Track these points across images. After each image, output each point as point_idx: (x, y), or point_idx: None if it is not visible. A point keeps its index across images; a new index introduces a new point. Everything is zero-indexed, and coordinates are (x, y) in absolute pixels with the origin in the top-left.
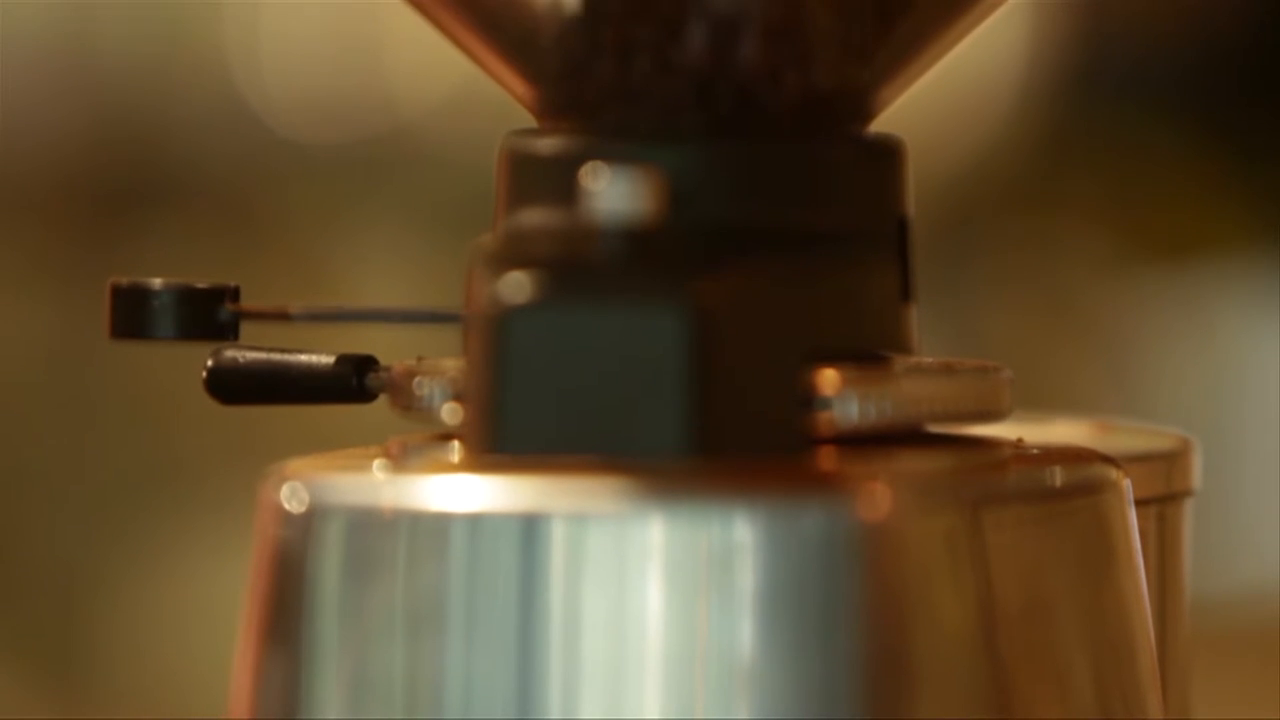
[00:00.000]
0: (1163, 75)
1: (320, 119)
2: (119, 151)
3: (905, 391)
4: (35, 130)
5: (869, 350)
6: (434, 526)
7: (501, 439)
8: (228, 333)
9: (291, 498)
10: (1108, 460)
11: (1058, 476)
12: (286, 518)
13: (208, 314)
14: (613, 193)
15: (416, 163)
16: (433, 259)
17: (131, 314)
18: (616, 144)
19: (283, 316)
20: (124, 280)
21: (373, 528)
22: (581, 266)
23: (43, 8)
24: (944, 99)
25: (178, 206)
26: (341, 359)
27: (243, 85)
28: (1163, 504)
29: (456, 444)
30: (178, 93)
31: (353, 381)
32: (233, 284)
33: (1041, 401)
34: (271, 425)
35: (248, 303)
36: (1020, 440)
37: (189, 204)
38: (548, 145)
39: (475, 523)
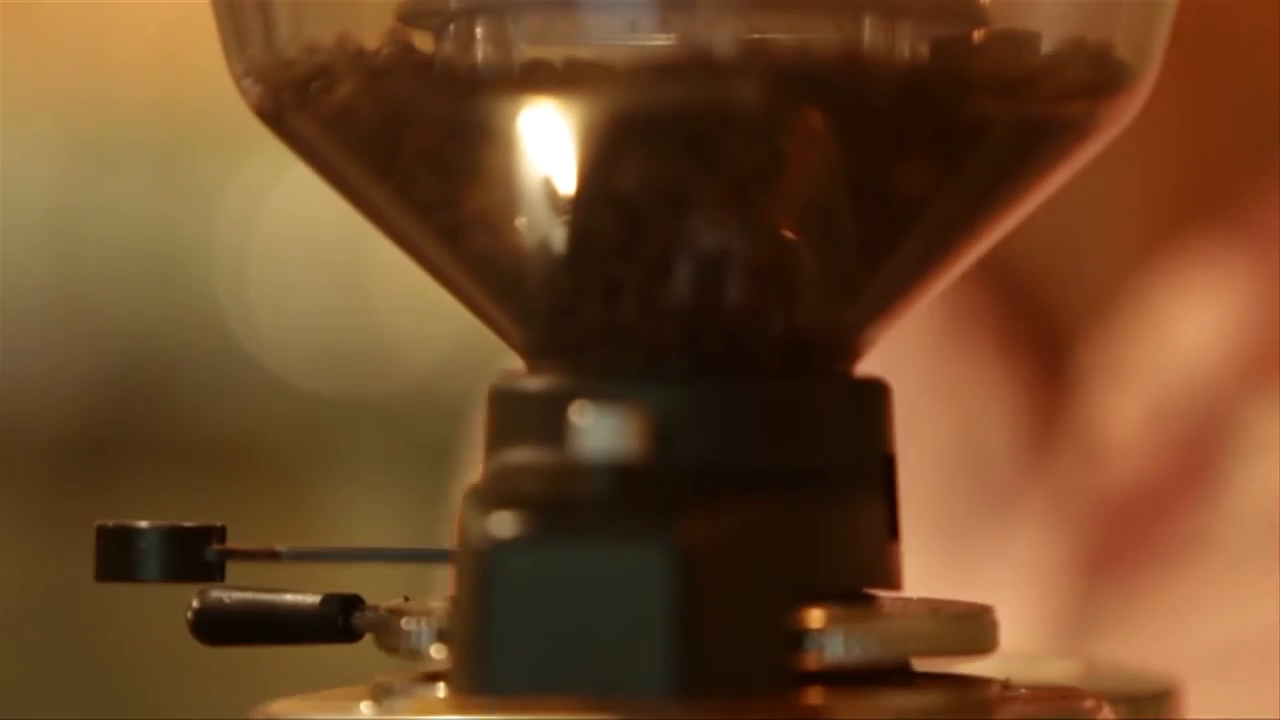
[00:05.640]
0: None
1: (312, 369)
2: (117, 402)
3: (892, 629)
4: (34, 381)
5: (856, 587)
6: None
7: (488, 679)
8: (213, 573)
9: None
10: (1095, 700)
11: (1046, 717)
12: None
13: (193, 555)
14: (599, 431)
15: (408, 411)
16: (421, 503)
17: (117, 556)
18: (603, 383)
19: (270, 556)
20: (110, 522)
21: None
22: (569, 505)
23: (43, 259)
24: None
25: (173, 453)
26: (327, 598)
27: (239, 334)
28: None
29: (442, 684)
30: (175, 345)
31: (339, 621)
32: (218, 524)
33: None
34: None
35: (239, 544)
36: (1008, 680)
37: (184, 450)
38: (535, 384)
39: None
